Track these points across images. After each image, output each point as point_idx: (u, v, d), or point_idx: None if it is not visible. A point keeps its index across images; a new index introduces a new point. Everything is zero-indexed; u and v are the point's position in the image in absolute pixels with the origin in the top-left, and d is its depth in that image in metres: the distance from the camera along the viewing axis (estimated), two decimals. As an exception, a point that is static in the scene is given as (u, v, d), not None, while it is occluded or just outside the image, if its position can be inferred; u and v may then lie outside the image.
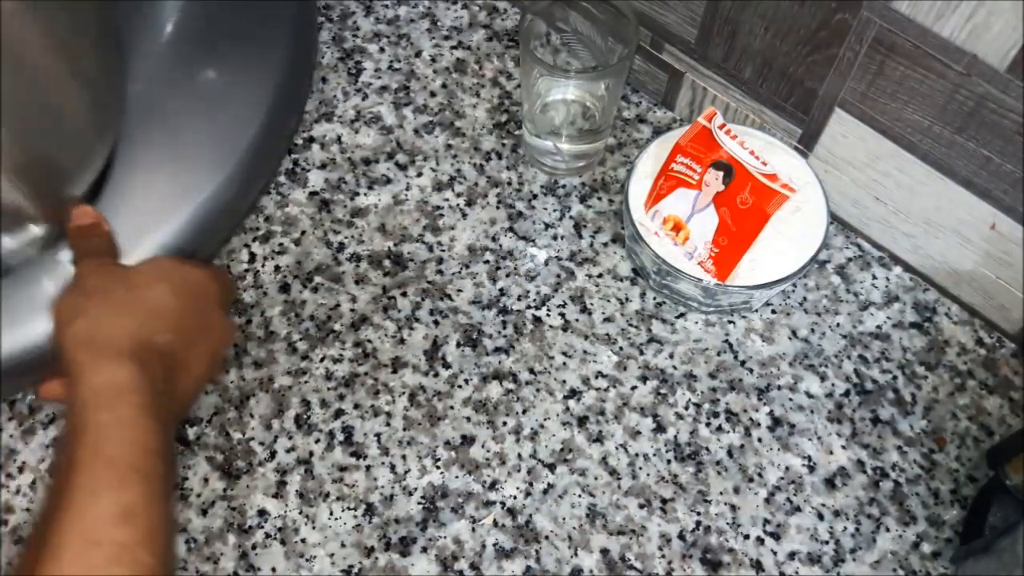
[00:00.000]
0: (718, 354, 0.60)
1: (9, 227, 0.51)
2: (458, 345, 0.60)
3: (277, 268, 0.62)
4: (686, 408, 0.58)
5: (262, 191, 0.64)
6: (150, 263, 0.52)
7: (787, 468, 0.56)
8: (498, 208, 0.65)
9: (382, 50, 0.72)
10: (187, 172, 0.58)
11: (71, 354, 0.45)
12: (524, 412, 0.58)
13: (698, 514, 0.55)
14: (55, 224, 0.53)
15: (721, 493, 0.56)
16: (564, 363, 0.59)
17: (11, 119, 0.45)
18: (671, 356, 0.60)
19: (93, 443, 0.42)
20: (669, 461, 0.56)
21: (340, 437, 0.57)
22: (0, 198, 0.48)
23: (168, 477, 0.44)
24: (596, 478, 0.56)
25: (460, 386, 0.59)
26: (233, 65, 0.61)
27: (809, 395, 0.59)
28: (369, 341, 0.60)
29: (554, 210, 0.65)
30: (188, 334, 0.48)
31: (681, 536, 0.54)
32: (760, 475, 0.56)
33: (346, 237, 0.63)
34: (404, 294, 0.62)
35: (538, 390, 0.58)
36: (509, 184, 0.66)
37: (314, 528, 0.54)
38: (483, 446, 0.57)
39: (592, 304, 0.61)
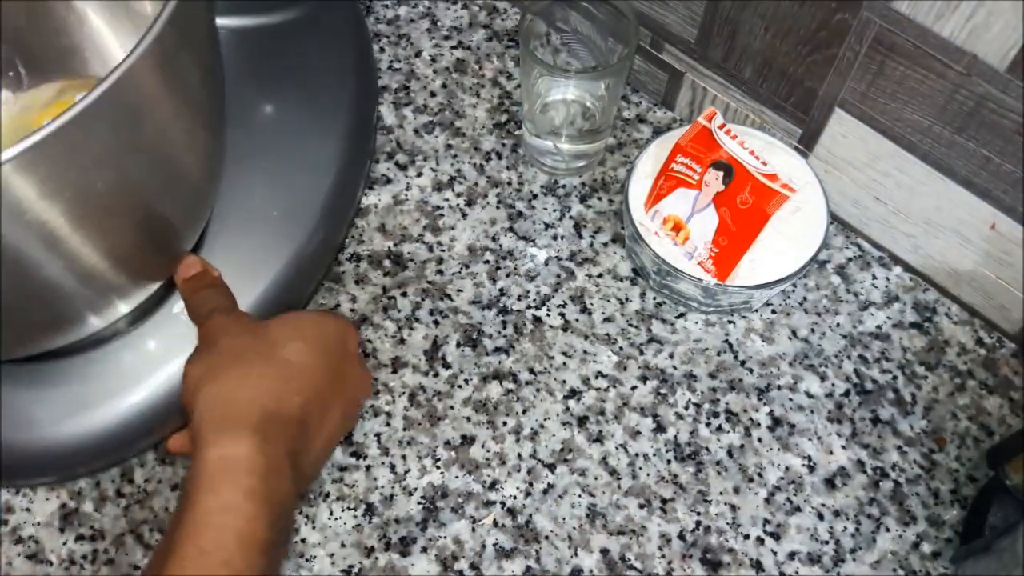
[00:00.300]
0: (718, 354, 0.60)
1: (99, 309, 0.49)
2: (458, 345, 0.60)
3: (277, 268, 0.62)
4: (686, 408, 0.58)
5: (346, 233, 0.63)
6: (283, 318, 0.47)
7: (787, 468, 0.56)
8: (498, 208, 0.65)
9: (382, 50, 0.72)
10: (276, 223, 0.56)
11: (196, 421, 0.42)
12: (524, 412, 0.58)
13: (698, 514, 0.55)
14: (163, 282, 0.52)
15: (721, 493, 0.56)
16: (564, 363, 0.59)
17: (143, 189, 0.43)
18: (671, 356, 0.60)
19: (193, 526, 0.39)
20: (669, 461, 0.56)
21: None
22: (95, 283, 0.46)
23: (272, 565, 0.41)
24: (596, 478, 0.56)
25: (460, 386, 0.59)
26: (303, 111, 0.59)
27: (809, 395, 0.59)
28: (369, 341, 0.60)
29: (554, 210, 0.65)
30: (323, 395, 0.45)
31: (681, 536, 0.54)
32: (760, 475, 0.56)
33: (346, 237, 0.63)
34: (404, 294, 0.62)
35: (538, 390, 0.58)
36: (509, 184, 0.66)
37: (314, 528, 0.54)
38: (483, 446, 0.57)
39: (592, 304, 0.61)
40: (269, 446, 0.41)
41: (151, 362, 0.53)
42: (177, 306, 0.54)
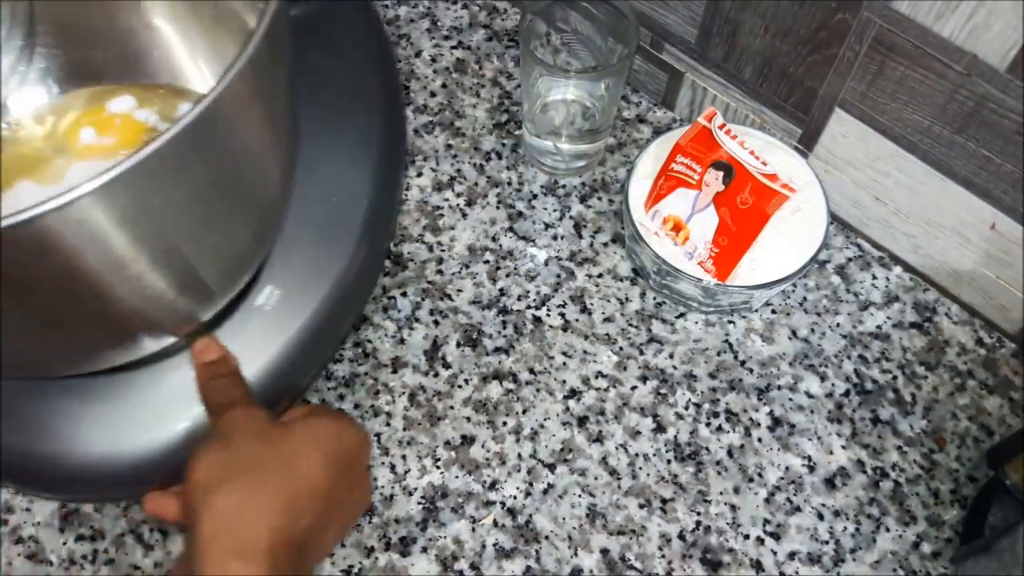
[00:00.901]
0: (718, 354, 0.60)
1: (160, 330, 0.48)
2: (458, 345, 0.60)
3: (277, 268, 0.62)
4: (686, 408, 0.58)
5: (380, 267, 0.62)
6: (304, 424, 0.44)
7: (787, 468, 0.56)
8: (498, 208, 0.65)
9: (382, 50, 0.72)
10: (320, 244, 0.56)
11: (201, 536, 0.40)
12: (524, 412, 0.58)
13: (698, 514, 0.55)
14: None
15: (721, 493, 0.56)
16: (564, 363, 0.59)
17: (221, 210, 0.43)
18: (671, 356, 0.60)
19: None
20: (669, 461, 0.56)
21: (340, 437, 0.57)
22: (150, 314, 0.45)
23: None
24: (596, 478, 0.56)
25: (460, 386, 0.59)
26: (333, 128, 0.58)
27: (809, 395, 0.59)
28: (369, 341, 0.60)
29: (554, 210, 0.65)
30: (329, 513, 0.43)
31: (681, 536, 0.54)
32: (760, 475, 0.56)
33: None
34: (404, 294, 0.62)
35: (538, 390, 0.58)
36: (509, 184, 0.66)
37: (314, 528, 0.54)
38: (483, 446, 0.57)
39: (592, 304, 0.61)
40: (275, 571, 0.39)
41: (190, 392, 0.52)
42: (251, 307, 0.53)
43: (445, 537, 0.54)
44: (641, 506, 0.55)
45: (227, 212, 0.43)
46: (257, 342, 0.53)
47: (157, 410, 0.51)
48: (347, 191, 0.57)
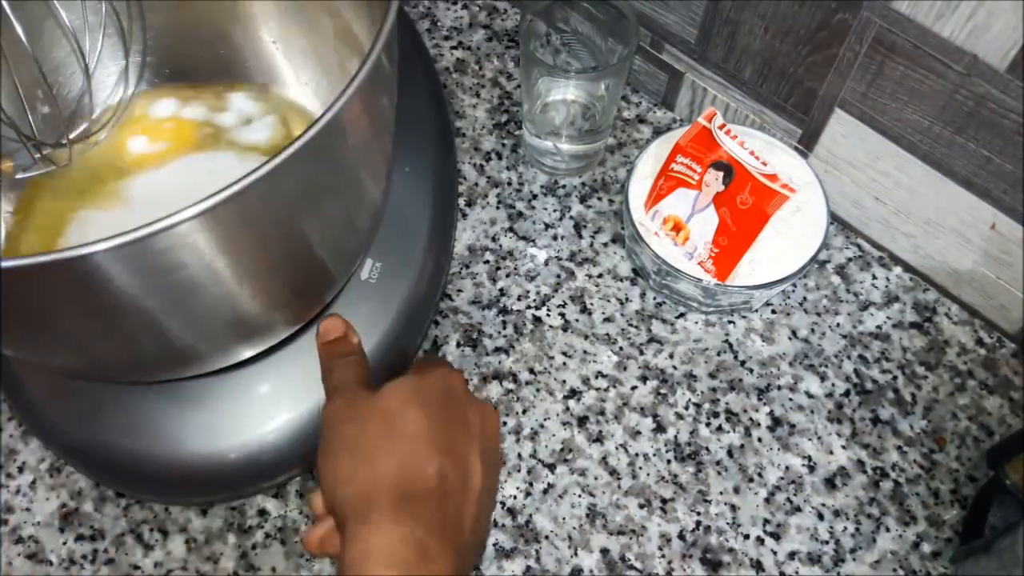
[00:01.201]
0: (718, 354, 0.60)
1: (251, 340, 0.49)
2: (458, 345, 0.60)
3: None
4: (686, 408, 0.58)
5: (452, 238, 0.63)
6: (388, 390, 0.44)
7: (787, 468, 0.56)
8: (498, 208, 0.65)
9: (382, 50, 0.72)
10: (404, 233, 0.57)
11: (340, 521, 0.40)
12: (524, 412, 0.58)
13: (698, 514, 0.55)
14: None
15: (721, 493, 0.56)
16: (564, 363, 0.59)
17: (321, 227, 0.43)
18: (671, 356, 0.60)
19: None
20: (669, 461, 0.56)
21: (340, 437, 0.57)
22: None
23: None
24: (596, 478, 0.56)
25: (460, 386, 0.59)
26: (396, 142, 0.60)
27: (809, 395, 0.59)
28: (369, 341, 0.60)
29: (554, 210, 0.65)
30: (456, 452, 0.42)
31: (681, 536, 0.54)
32: (760, 475, 0.56)
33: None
34: (404, 294, 0.62)
35: (538, 390, 0.58)
36: (509, 184, 0.66)
37: (314, 528, 0.54)
38: (483, 446, 0.57)
39: (592, 304, 0.61)
40: (407, 528, 0.39)
41: (289, 389, 0.53)
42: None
43: (445, 537, 0.54)
44: (641, 506, 0.55)
45: (346, 209, 0.45)
46: (368, 314, 0.54)
47: (251, 412, 0.52)
48: (417, 162, 0.58)
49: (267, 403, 0.52)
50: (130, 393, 0.52)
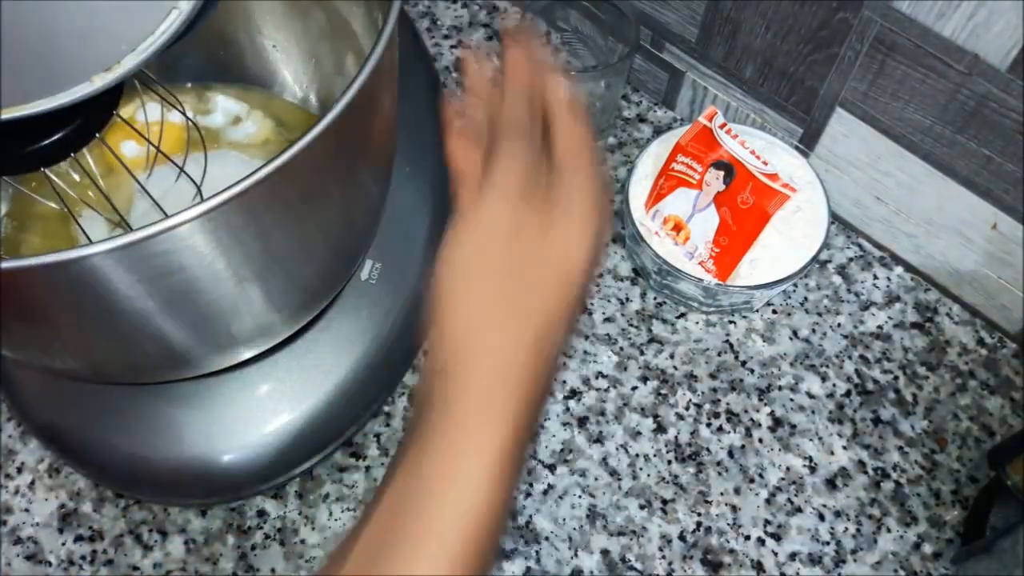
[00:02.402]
0: (719, 354, 0.60)
1: (250, 342, 0.48)
2: (458, 345, 0.60)
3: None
4: (687, 408, 0.58)
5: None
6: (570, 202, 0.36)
7: (788, 468, 0.56)
8: (498, 208, 0.65)
9: (382, 49, 0.71)
10: (404, 233, 0.57)
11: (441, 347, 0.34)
12: (524, 412, 0.58)
13: (699, 515, 0.55)
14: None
15: (722, 494, 0.55)
16: (564, 363, 0.59)
17: (320, 232, 0.43)
18: (671, 356, 0.60)
19: (428, 507, 0.32)
20: (669, 461, 0.56)
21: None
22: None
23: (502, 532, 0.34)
24: (596, 478, 0.56)
25: (460, 386, 0.58)
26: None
27: (810, 395, 0.58)
28: (369, 341, 0.60)
29: (554, 210, 0.65)
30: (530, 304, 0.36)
31: (682, 537, 0.54)
32: (761, 476, 0.56)
33: None
34: (404, 294, 0.62)
35: (538, 390, 0.58)
36: (509, 184, 0.66)
37: (313, 529, 0.54)
38: (483, 446, 0.57)
39: (592, 304, 0.61)
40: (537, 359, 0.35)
41: (289, 391, 0.53)
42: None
43: (445, 538, 0.54)
44: (641, 507, 0.55)
45: (346, 210, 0.44)
46: (368, 315, 0.54)
47: (250, 413, 0.52)
48: (416, 164, 0.58)
49: (266, 404, 0.52)
50: (128, 394, 0.52)
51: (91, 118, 0.39)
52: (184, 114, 0.51)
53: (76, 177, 0.50)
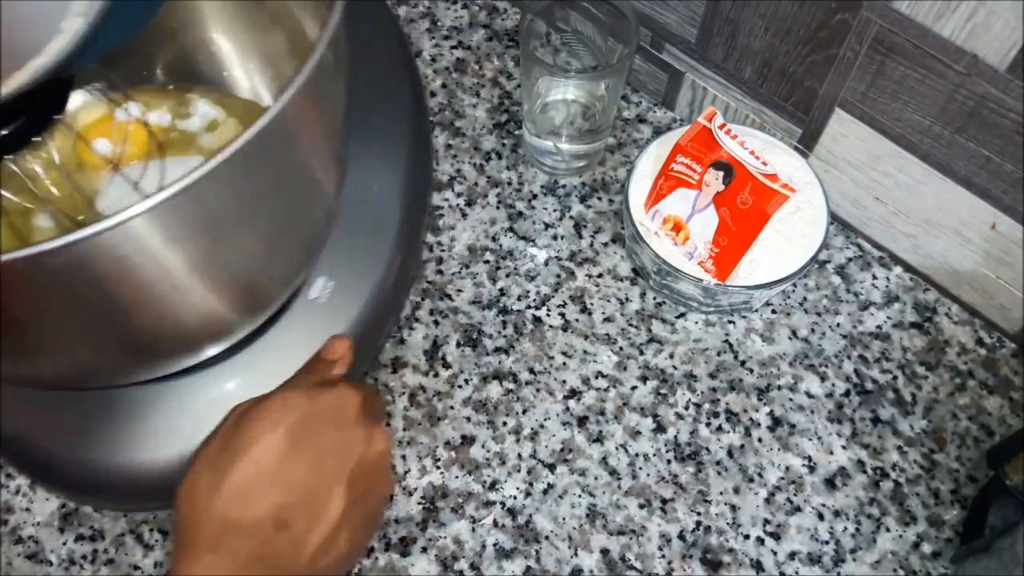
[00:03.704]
0: (718, 354, 0.60)
1: (207, 341, 0.48)
2: (458, 345, 0.60)
3: (277, 268, 0.62)
4: (686, 408, 0.58)
5: (420, 252, 0.62)
6: (264, 408, 0.42)
7: (787, 468, 0.56)
8: (498, 208, 0.65)
9: (382, 50, 0.72)
10: (363, 250, 0.56)
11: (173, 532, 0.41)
12: (524, 412, 0.58)
13: (698, 514, 0.55)
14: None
15: (721, 493, 0.56)
16: (564, 363, 0.59)
17: (274, 225, 0.43)
18: (671, 356, 0.60)
19: None
20: (669, 461, 0.56)
21: (340, 437, 0.57)
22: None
23: None
24: (596, 478, 0.56)
25: (460, 386, 0.59)
26: (369, 139, 0.58)
27: (809, 395, 0.59)
28: (369, 341, 0.60)
29: (554, 210, 0.65)
30: (304, 481, 0.41)
31: (681, 536, 0.54)
32: (760, 475, 0.56)
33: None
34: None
35: (538, 390, 0.58)
36: (509, 184, 0.66)
37: (314, 528, 0.54)
38: (483, 446, 0.57)
39: (592, 304, 0.61)
40: (226, 561, 0.39)
41: (264, 384, 0.52)
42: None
43: (445, 537, 0.54)
44: (641, 506, 0.55)
45: (289, 216, 0.44)
46: (313, 335, 0.52)
47: (201, 418, 0.51)
48: (384, 179, 0.57)
49: (221, 407, 0.51)
50: (86, 401, 0.51)
51: (31, 121, 0.39)
52: (140, 117, 0.51)
53: (39, 171, 0.50)
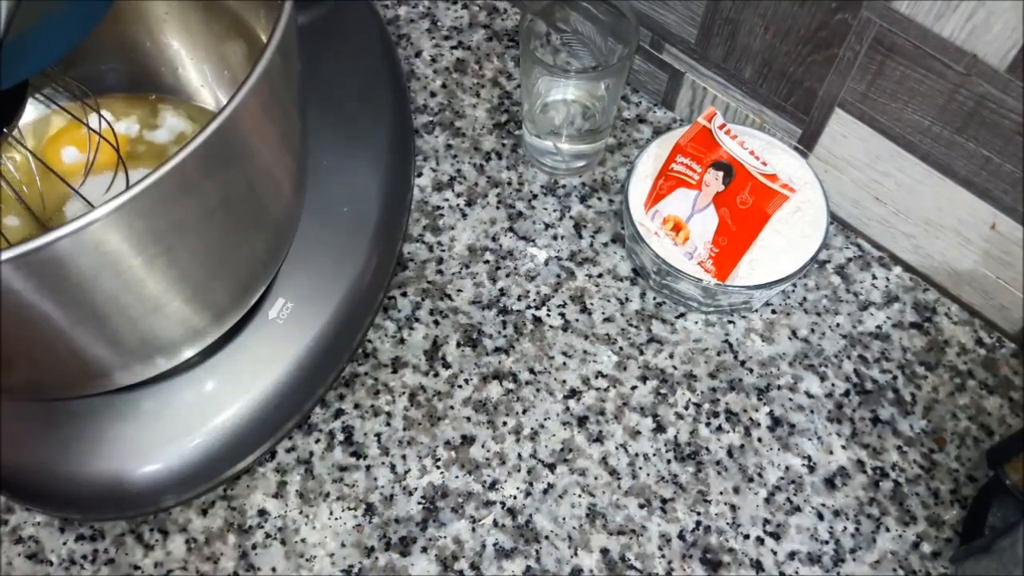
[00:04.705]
0: (718, 354, 0.60)
1: (174, 348, 0.48)
2: (458, 345, 0.60)
3: (277, 268, 0.62)
4: (686, 408, 0.58)
5: (392, 273, 0.61)
6: None
7: (787, 468, 0.56)
8: (498, 208, 0.65)
9: (382, 50, 0.72)
10: (327, 270, 0.56)
11: None
12: (524, 412, 0.58)
13: (698, 514, 0.55)
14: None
15: (721, 493, 0.56)
16: (564, 363, 0.59)
17: (234, 229, 0.42)
18: (671, 356, 0.60)
19: None
20: (669, 461, 0.56)
21: (340, 437, 0.57)
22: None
23: None
24: (596, 478, 0.56)
25: (460, 386, 0.59)
26: (341, 136, 0.58)
27: (809, 395, 0.59)
28: (369, 341, 0.60)
29: (554, 210, 0.65)
30: None
31: (681, 536, 0.54)
32: (760, 475, 0.56)
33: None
34: (404, 294, 0.62)
35: (538, 390, 0.58)
36: (509, 184, 0.66)
37: (314, 528, 0.54)
38: (483, 446, 0.57)
39: (592, 304, 0.61)
40: None
41: (215, 401, 0.52)
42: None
43: (445, 537, 0.54)
44: (641, 506, 0.55)
45: (241, 227, 0.43)
46: (269, 355, 0.52)
47: (168, 427, 0.51)
48: (358, 198, 0.57)
49: (186, 416, 0.51)
50: (41, 411, 0.51)
51: None
52: (93, 127, 0.51)
53: (12, 170, 0.50)
